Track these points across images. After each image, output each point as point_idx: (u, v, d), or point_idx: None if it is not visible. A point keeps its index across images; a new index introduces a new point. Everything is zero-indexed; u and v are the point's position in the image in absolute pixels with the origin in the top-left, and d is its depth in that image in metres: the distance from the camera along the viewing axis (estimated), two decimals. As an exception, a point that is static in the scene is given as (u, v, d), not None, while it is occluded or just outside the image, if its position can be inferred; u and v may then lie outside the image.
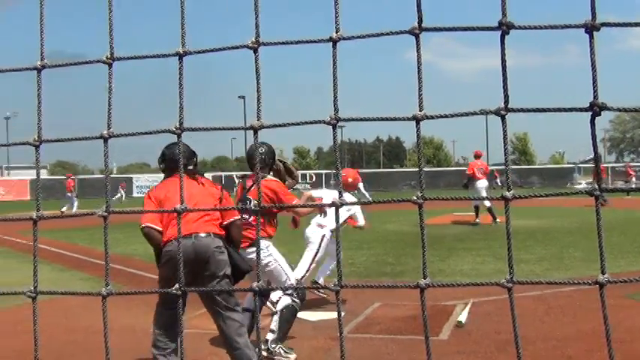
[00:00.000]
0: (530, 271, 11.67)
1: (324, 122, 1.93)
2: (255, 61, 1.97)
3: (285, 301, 6.81)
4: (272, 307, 7.03)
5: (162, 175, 6.20)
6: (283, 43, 2.02)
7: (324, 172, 73.43)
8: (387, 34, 1.89)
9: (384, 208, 24.97)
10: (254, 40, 1.95)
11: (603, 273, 1.74)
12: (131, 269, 13.05)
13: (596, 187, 1.76)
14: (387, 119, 1.95)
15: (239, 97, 76.56)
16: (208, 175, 68.84)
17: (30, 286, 2.16)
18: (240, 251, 6.76)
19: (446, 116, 1.87)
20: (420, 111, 1.85)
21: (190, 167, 6.05)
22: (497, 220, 20.61)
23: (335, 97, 1.91)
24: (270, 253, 6.79)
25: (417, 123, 1.86)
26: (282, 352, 6.74)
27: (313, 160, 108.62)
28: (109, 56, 2.06)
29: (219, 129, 2.11)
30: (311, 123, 1.98)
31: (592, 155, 1.88)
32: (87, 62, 2.14)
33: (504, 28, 1.76)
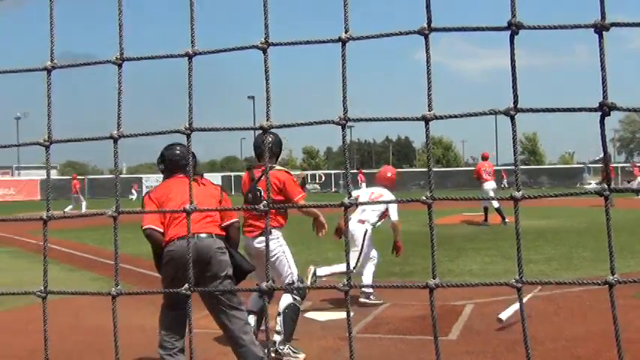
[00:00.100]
0: (539, 271, 11.63)
1: (334, 122, 1.93)
2: (265, 62, 1.97)
3: (287, 300, 6.78)
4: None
5: None
6: (292, 44, 2.02)
7: (333, 172, 73.44)
8: (397, 34, 1.89)
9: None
10: (263, 41, 1.96)
11: (613, 273, 1.74)
12: (141, 269, 13.05)
13: (606, 187, 1.76)
14: (396, 119, 1.95)
15: (248, 97, 76.65)
16: (218, 175, 69.27)
17: (40, 286, 2.17)
18: (249, 240, 6.77)
19: (455, 116, 1.87)
20: (430, 111, 1.85)
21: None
22: (507, 220, 20.54)
23: (344, 98, 1.92)
24: (280, 244, 6.77)
25: (427, 123, 1.86)
26: (290, 352, 6.74)
27: (322, 160, 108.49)
28: (119, 57, 2.07)
29: (229, 129, 2.11)
30: (320, 123, 1.99)
31: (602, 155, 1.88)
32: (97, 63, 2.14)
33: (514, 28, 1.76)
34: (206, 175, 6.68)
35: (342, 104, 1.92)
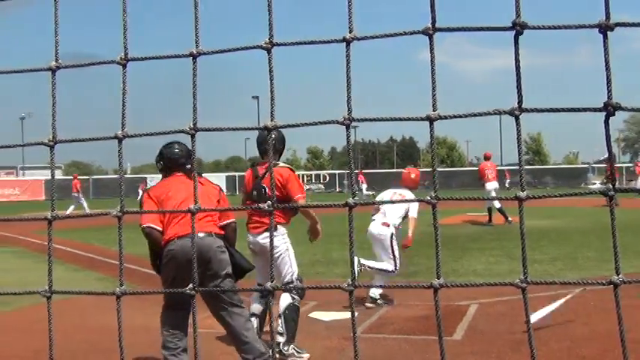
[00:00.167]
0: (543, 271, 11.63)
1: (338, 122, 1.93)
2: (269, 62, 1.97)
3: (286, 300, 6.76)
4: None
5: None
6: (297, 44, 2.02)
7: (337, 172, 73.38)
8: (401, 34, 1.89)
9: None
10: (267, 41, 1.96)
11: (618, 273, 1.74)
12: (145, 269, 12.99)
13: (610, 186, 1.76)
14: (400, 119, 1.95)
15: (252, 97, 76.55)
16: (222, 175, 69.28)
17: (45, 286, 2.17)
18: (254, 237, 6.77)
19: (460, 116, 1.87)
20: (434, 111, 1.85)
21: (188, 166, 6.08)
22: (510, 219, 20.50)
23: (348, 98, 1.92)
24: (285, 241, 6.76)
25: (431, 123, 1.86)
26: (294, 352, 6.74)
27: (327, 160, 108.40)
28: (123, 57, 2.07)
29: (233, 129, 2.11)
30: (324, 123, 1.99)
31: (606, 155, 1.88)
32: (101, 63, 2.15)
33: (518, 28, 1.76)
34: (210, 175, 6.68)
35: (347, 104, 1.92)
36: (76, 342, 7.49)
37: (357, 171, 52.78)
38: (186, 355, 5.78)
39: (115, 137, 2.08)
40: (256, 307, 6.88)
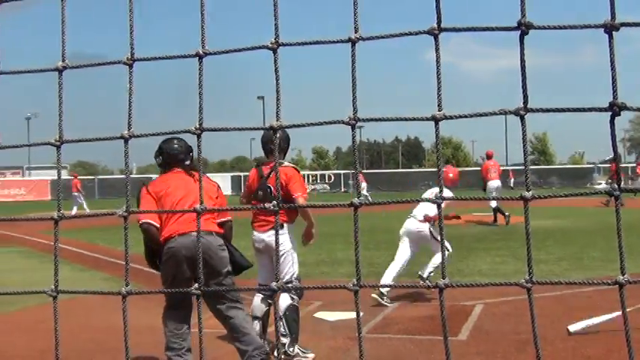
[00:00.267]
0: (549, 272, 11.62)
1: (343, 122, 1.93)
2: (275, 62, 1.98)
3: (286, 301, 6.74)
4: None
5: None
6: (302, 44, 2.03)
7: (342, 172, 73.33)
8: (407, 34, 1.89)
9: (403, 208, 24.67)
10: (273, 41, 1.96)
11: (623, 273, 1.74)
12: (150, 269, 13.08)
13: (616, 187, 1.76)
14: (406, 119, 1.95)
15: (258, 97, 76.51)
16: (227, 175, 69.28)
17: (51, 286, 2.18)
18: (260, 235, 6.77)
19: (465, 116, 1.87)
20: (439, 111, 1.85)
21: (187, 162, 6.08)
22: (507, 213, 20.39)
23: (354, 98, 1.92)
24: (290, 240, 6.75)
25: (436, 123, 1.86)
26: (299, 352, 6.74)
27: (332, 160, 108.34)
28: (130, 57, 2.08)
29: (239, 129, 2.12)
30: (330, 123, 1.99)
31: (612, 155, 1.89)
32: (107, 63, 2.15)
33: (523, 28, 1.76)
34: (216, 175, 6.70)
35: (352, 104, 1.92)
36: (82, 341, 7.50)
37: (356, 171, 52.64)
38: (191, 354, 5.78)
39: (122, 137, 2.09)
40: (259, 309, 6.86)
